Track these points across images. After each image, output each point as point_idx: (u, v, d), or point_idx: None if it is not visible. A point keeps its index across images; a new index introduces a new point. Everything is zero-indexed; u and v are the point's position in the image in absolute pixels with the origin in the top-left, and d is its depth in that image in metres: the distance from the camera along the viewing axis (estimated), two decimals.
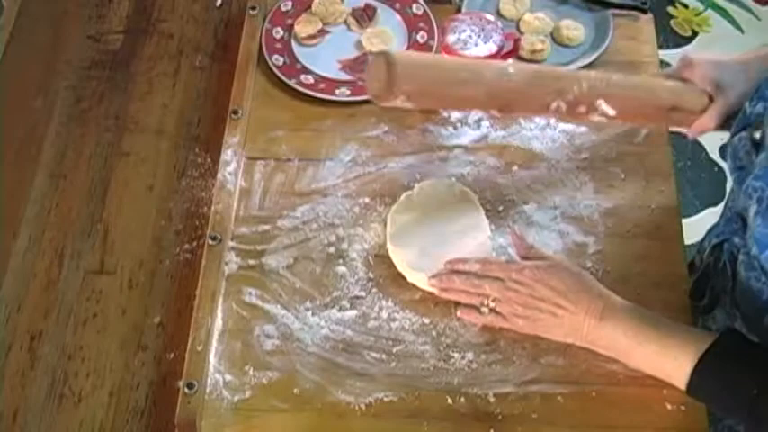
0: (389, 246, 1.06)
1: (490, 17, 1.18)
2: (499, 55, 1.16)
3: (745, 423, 0.98)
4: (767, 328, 0.95)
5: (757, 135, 0.94)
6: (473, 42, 1.15)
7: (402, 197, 1.10)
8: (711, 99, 1.03)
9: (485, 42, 1.15)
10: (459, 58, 1.09)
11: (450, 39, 1.15)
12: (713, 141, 2.12)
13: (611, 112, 1.01)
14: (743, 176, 0.94)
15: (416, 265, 1.04)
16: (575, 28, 1.27)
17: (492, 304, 1.00)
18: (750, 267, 0.95)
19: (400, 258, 1.05)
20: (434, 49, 1.24)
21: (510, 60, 1.06)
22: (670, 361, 0.91)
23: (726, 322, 1.03)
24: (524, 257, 1.02)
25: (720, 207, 2.01)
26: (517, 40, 1.21)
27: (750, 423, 0.91)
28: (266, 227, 1.10)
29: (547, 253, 1.03)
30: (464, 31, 1.16)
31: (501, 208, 1.12)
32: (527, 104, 1.02)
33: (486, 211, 1.10)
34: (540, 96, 1.00)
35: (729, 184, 2.07)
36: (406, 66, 0.96)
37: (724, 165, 2.10)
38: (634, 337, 0.93)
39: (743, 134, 0.96)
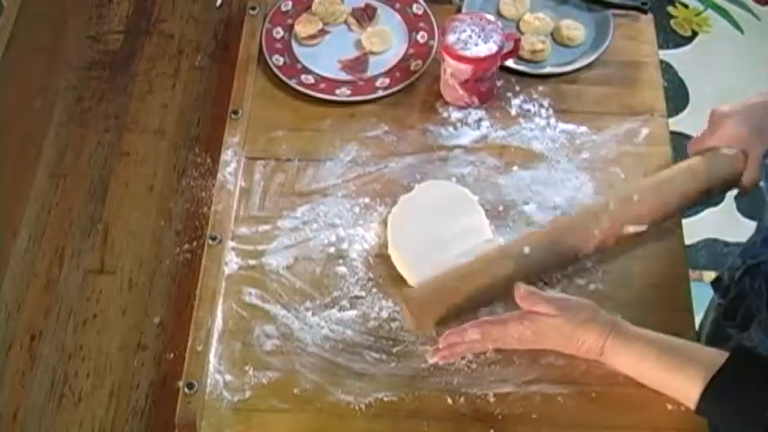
0: (390, 248, 1.06)
1: (490, 17, 1.18)
2: (499, 55, 1.16)
3: None
4: None
5: None
6: (473, 42, 1.15)
7: (401, 199, 1.10)
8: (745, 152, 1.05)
9: (485, 42, 1.15)
10: (474, 260, 1.03)
11: (451, 39, 1.15)
12: None
13: (643, 227, 1.04)
14: None
15: (417, 267, 1.04)
16: (575, 28, 1.27)
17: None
18: None
19: (400, 261, 1.05)
20: (434, 49, 1.24)
21: (525, 246, 1.02)
22: (677, 387, 0.90)
23: (762, 341, 1.02)
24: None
25: (720, 207, 2.01)
26: (517, 41, 1.21)
27: None
28: (266, 227, 1.10)
29: (548, 299, 0.97)
30: (464, 31, 1.16)
31: (501, 208, 1.11)
32: (556, 267, 1.04)
33: (486, 211, 1.10)
34: (565, 257, 1.03)
35: None
36: (426, 305, 0.99)
37: None
38: (636, 369, 0.93)
39: None
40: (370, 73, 1.24)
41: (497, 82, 1.21)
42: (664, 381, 0.92)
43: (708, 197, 1.07)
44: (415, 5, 1.29)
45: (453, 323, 0.99)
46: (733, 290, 1.08)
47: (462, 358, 1.00)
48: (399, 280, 1.05)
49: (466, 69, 1.15)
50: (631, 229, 1.03)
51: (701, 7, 2.43)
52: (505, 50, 1.19)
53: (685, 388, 0.89)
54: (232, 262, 1.07)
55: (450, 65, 1.16)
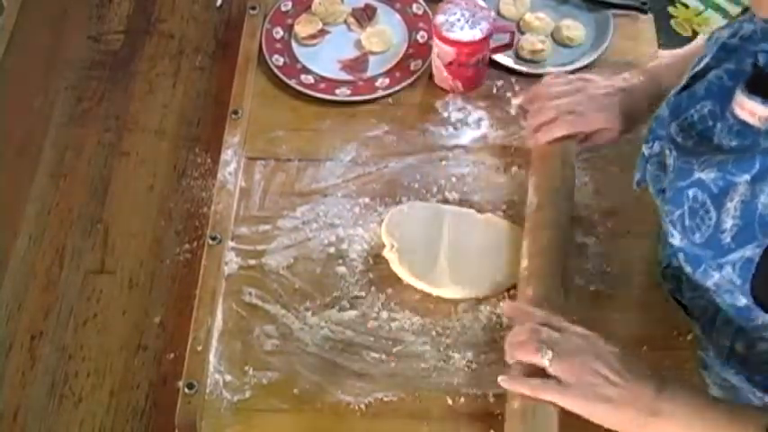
0: (390, 256, 1.05)
1: (484, 4, 1.17)
2: (485, 43, 1.16)
3: None
4: (716, 342, 0.93)
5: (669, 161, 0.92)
6: (459, 26, 1.14)
7: (393, 210, 1.09)
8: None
9: (471, 28, 1.14)
10: None
11: (439, 19, 1.15)
12: None
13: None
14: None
15: (421, 272, 1.04)
16: (575, 28, 1.27)
17: (549, 355, 0.87)
18: (691, 288, 0.94)
19: (406, 271, 1.04)
20: (433, 48, 1.24)
21: None
22: None
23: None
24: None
25: None
26: (512, 33, 1.21)
27: None
28: (266, 227, 1.10)
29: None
30: (454, 13, 1.16)
31: (501, 208, 1.11)
32: None
33: (487, 212, 1.10)
34: None
35: None
36: None
37: None
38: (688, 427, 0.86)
39: (653, 159, 0.96)
40: (369, 73, 1.24)
41: (498, 82, 1.22)
42: None
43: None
44: (414, 5, 1.29)
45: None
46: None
47: (462, 358, 1.00)
48: (399, 280, 1.05)
49: (449, 51, 1.15)
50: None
51: (702, 7, 2.43)
52: (499, 43, 1.19)
53: None
54: (232, 262, 1.07)
55: (437, 45, 1.17)
